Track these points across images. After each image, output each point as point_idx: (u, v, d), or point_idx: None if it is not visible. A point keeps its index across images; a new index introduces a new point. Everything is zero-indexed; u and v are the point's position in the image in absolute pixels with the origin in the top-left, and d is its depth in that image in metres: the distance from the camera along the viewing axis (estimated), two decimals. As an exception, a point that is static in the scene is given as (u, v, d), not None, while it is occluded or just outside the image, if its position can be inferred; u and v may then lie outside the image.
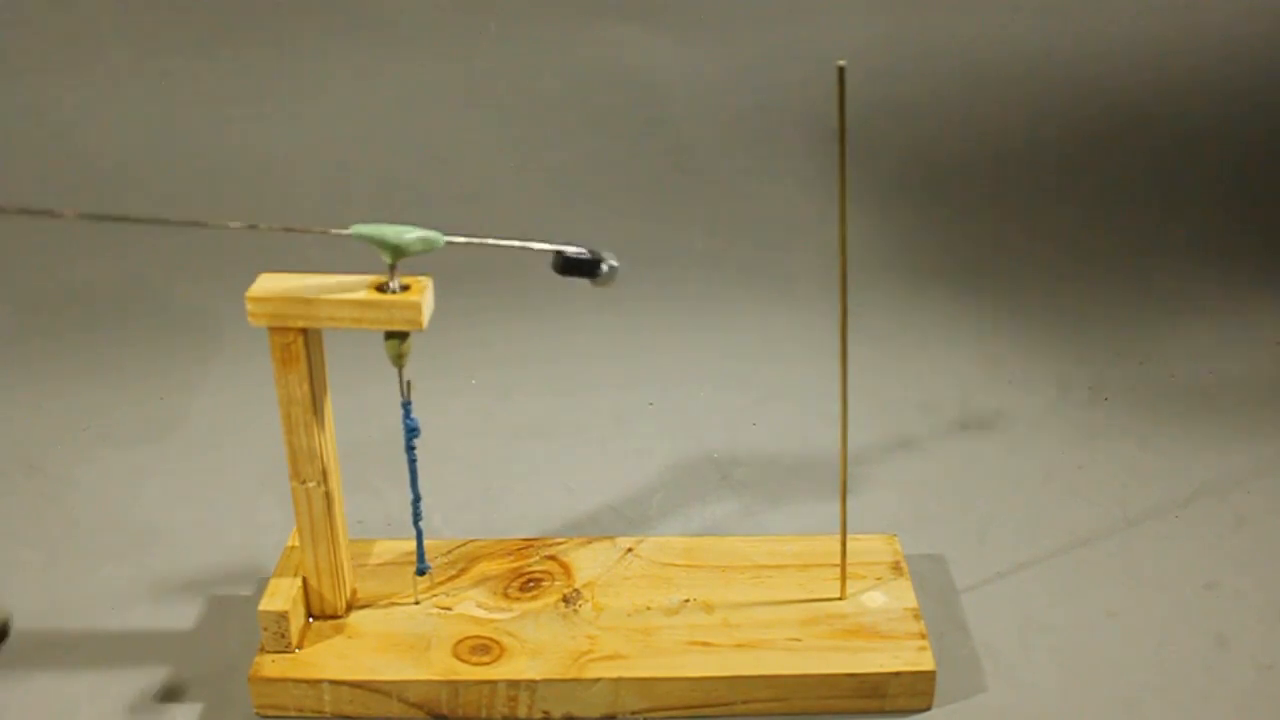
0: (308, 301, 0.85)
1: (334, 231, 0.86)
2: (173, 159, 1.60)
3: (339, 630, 0.97)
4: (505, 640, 0.95)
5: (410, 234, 0.84)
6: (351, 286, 0.86)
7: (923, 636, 0.95)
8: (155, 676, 0.98)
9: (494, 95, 1.61)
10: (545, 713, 0.93)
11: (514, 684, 0.92)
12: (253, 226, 0.84)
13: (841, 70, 0.82)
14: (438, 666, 0.93)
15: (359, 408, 1.29)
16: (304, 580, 0.97)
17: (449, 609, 0.99)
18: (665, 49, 1.60)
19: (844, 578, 1.00)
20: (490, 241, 0.88)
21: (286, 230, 0.87)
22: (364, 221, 0.85)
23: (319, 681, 0.92)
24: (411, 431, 0.92)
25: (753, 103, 1.62)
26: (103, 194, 1.59)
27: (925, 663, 0.93)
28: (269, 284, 0.87)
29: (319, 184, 1.61)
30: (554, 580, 1.02)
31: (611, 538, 1.08)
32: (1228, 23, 1.63)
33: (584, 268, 0.89)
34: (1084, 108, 1.64)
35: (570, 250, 0.89)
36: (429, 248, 0.85)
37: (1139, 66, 1.63)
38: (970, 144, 1.65)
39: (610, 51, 1.61)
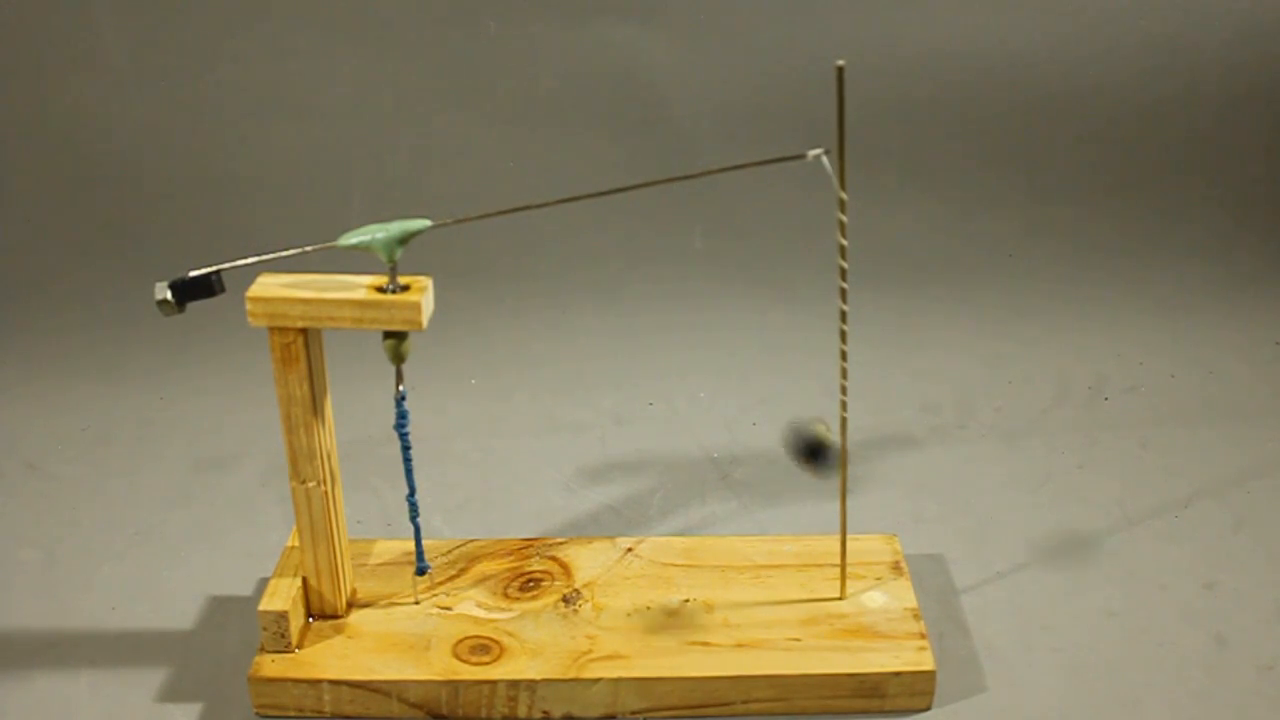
0: (307, 302, 0.85)
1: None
2: (172, 159, 1.60)
3: (339, 630, 0.97)
4: (505, 640, 0.95)
5: (385, 232, 0.84)
6: (351, 286, 0.86)
7: (923, 636, 0.95)
8: (155, 676, 0.98)
9: (494, 95, 1.61)
10: (545, 713, 0.93)
11: (514, 684, 0.92)
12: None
13: (841, 70, 0.82)
14: (437, 666, 0.93)
15: (359, 408, 1.29)
16: (304, 580, 0.97)
17: (449, 609, 0.99)
18: (665, 49, 1.60)
19: (844, 578, 1.00)
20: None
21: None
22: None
23: (319, 681, 0.92)
24: (401, 418, 0.92)
25: (752, 102, 1.62)
26: (103, 194, 1.59)
27: (925, 663, 0.93)
28: (269, 284, 0.87)
29: (318, 184, 1.61)
30: (554, 580, 1.02)
31: (611, 538, 1.08)
32: (1228, 23, 1.63)
33: (201, 288, 0.88)
34: (1084, 107, 1.64)
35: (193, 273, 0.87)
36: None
37: (1138, 66, 1.63)
38: (970, 144, 1.65)
39: (610, 51, 1.61)
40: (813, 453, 0.94)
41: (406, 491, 0.95)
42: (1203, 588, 1.06)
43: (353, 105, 1.62)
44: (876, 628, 0.96)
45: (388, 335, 0.88)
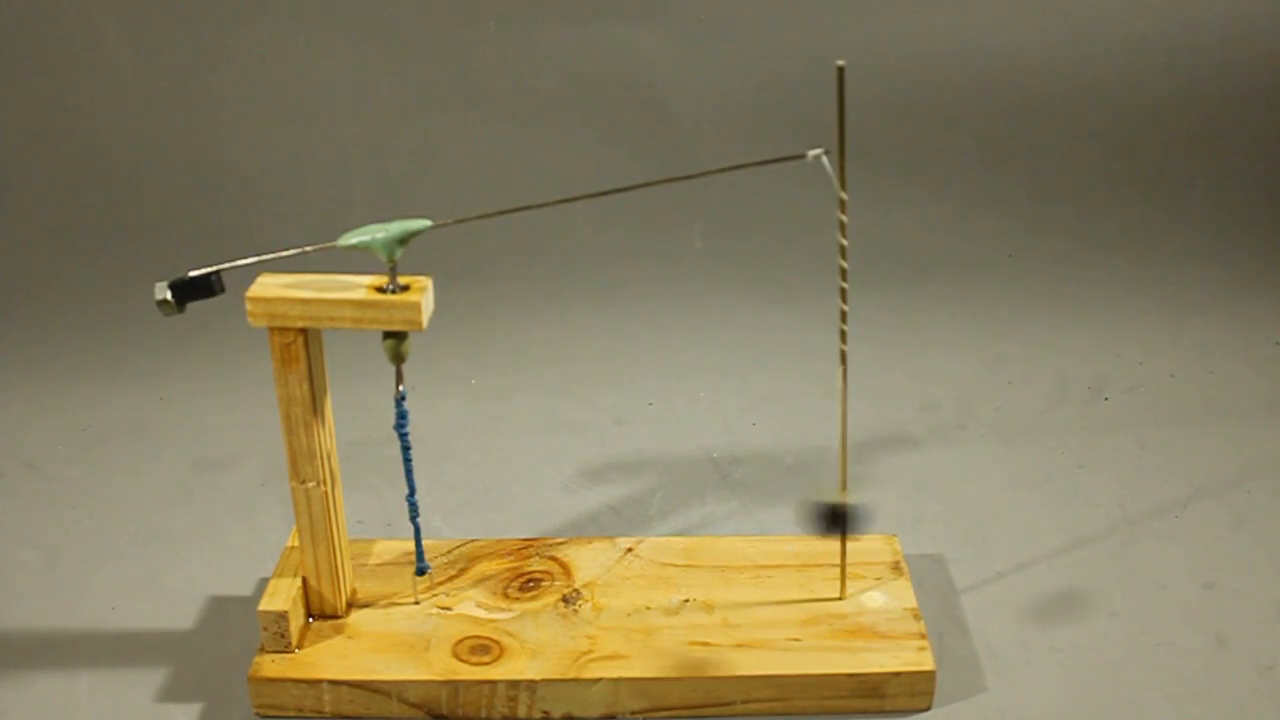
0: (307, 302, 0.85)
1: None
2: (172, 159, 1.60)
3: (339, 630, 0.97)
4: (505, 640, 0.95)
5: (385, 232, 0.84)
6: (351, 286, 0.86)
7: (922, 636, 0.95)
8: (155, 676, 0.98)
9: (494, 95, 1.61)
10: (545, 713, 0.93)
11: (514, 684, 0.92)
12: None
13: (841, 70, 0.82)
14: (437, 666, 0.93)
15: (359, 408, 1.29)
16: (304, 580, 0.97)
17: (449, 609, 0.99)
18: (665, 49, 1.60)
19: (844, 578, 1.00)
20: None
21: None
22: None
23: (319, 681, 0.92)
24: (401, 418, 0.92)
25: (752, 102, 1.62)
26: (103, 194, 1.59)
27: (925, 663, 0.93)
28: (269, 284, 0.87)
29: (319, 185, 1.61)
30: (554, 580, 1.02)
31: (611, 538, 1.08)
32: (1227, 23, 1.63)
33: (201, 288, 0.88)
34: (1083, 107, 1.64)
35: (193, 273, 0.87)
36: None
37: (1138, 66, 1.63)
38: (970, 144, 1.65)
39: (610, 51, 1.61)
40: (836, 520, 0.94)
41: (406, 491, 0.95)
42: (1203, 588, 1.06)
43: (353, 105, 1.62)
44: (876, 628, 0.96)
45: (388, 335, 0.88)
